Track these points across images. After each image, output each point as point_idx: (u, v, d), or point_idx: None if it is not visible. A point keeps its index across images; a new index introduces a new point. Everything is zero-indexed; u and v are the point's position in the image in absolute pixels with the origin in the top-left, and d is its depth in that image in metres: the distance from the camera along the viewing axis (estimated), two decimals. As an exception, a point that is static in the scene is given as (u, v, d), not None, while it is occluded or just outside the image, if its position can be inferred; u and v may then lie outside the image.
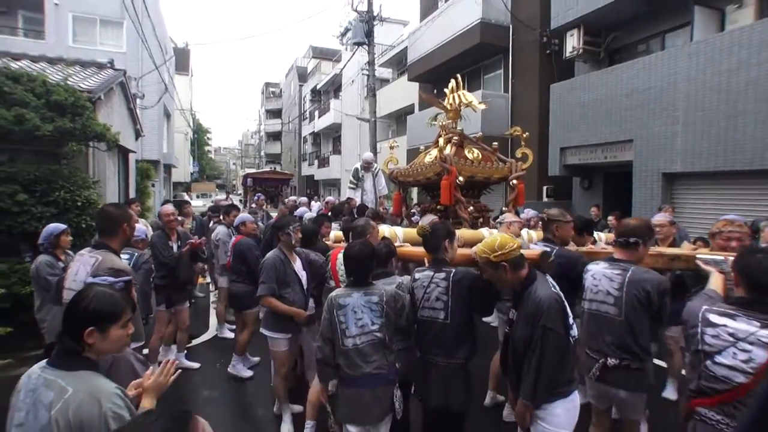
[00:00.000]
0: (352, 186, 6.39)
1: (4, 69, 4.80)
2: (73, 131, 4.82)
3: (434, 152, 4.10)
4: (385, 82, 19.54)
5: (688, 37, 7.44)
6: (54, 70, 6.48)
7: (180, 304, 3.98)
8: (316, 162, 27.41)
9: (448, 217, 3.72)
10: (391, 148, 4.96)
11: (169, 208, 3.89)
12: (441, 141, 3.97)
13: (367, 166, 6.38)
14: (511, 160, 4.01)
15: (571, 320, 1.90)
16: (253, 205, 7.81)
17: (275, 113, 43.59)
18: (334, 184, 21.69)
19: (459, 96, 4.08)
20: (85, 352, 1.29)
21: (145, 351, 3.85)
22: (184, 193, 26.53)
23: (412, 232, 3.03)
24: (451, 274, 2.12)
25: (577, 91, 8.73)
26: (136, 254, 3.31)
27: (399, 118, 18.67)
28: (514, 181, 3.93)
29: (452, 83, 4.16)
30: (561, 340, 1.82)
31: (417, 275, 2.24)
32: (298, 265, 3.04)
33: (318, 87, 27.18)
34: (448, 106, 4.16)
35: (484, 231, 3.35)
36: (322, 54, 30.03)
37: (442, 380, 2.11)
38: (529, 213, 5.06)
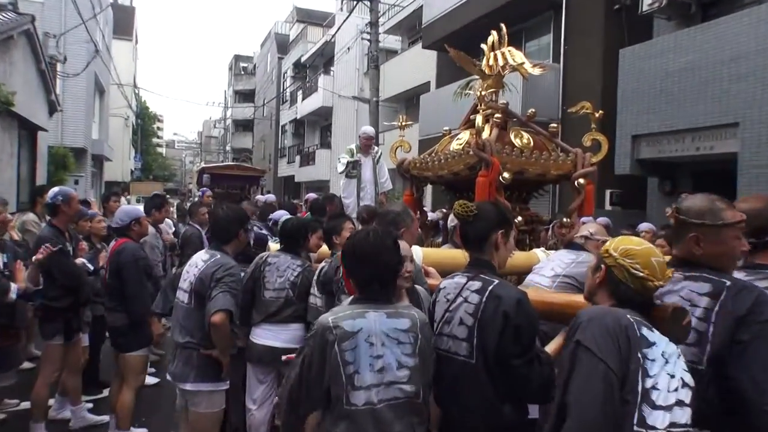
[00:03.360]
0: (348, 174, 6.36)
1: None
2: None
3: (465, 136, 4.12)
4: (391, 54, 20.07)
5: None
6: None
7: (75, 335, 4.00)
8: (297, 158, 28.29)
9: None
10: (402, 128, 4.96)
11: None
12: (478, 120, 3.95)
13: (366, 144, 6.37)
14: (577, 149, 4.03)
15: None
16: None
17: (246, 95, 44.23)
18: (320, 188, 21.61)
19: (503, 54, 4.10)
20: None
21: (25, 404, 3.89)
22: (123, 197, 26.31)
23: (438, 254, 3.02)
24: (491, 286, 1.96)
25: (658, 58, 8.65)
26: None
27: (409, 101, 19.20)
28: (581, 180, 3.94)
29: (492, 36, 4.20)
30: None
31: (444, 283, 2.15)
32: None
33: (303, 60, 27.83)
34: (487, 70, 4.19)
35: (538, 253, 3.36)
36: (308, 17, 30.44)
37: None
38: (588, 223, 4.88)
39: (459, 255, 2.55)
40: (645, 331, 1.53)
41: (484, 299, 1.95)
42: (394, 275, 1.97)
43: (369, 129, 6.69)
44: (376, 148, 6.60)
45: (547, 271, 2.92)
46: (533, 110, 4.41)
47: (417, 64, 17.07)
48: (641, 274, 1.63)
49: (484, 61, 4.26)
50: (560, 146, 4.20)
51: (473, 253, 2.13)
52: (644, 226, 5.35)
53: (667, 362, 1.50)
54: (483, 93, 4.12)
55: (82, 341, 4.24)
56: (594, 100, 9.69)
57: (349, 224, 3.28)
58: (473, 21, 12.08)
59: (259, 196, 9.42)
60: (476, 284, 2.01)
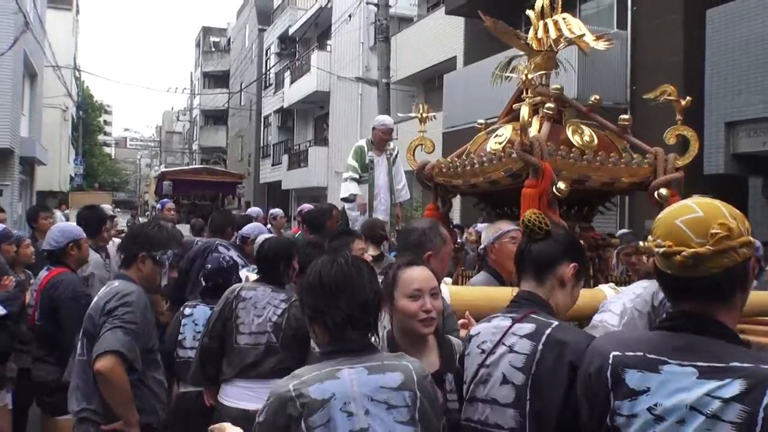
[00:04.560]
0: (353, 177, 6.44)
1: None
2: None
3: (506, 132, 4.17)
4: (405, 22, 20.35)
5: None
6: None
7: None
8: (285, 158, 28.38)
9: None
10: (422, 120, 4.93)
11: None
12: (523, 111, 3.90)
13: (383, 139, 6.49)
14: (657, 149, 4.04)
15: None
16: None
17: (219, 79, 44.85)
18: (315, 197, 21.71)
19: (555, 24, 4.11)
20: None
21: None
22: (59, 211, 26.53)
23: (472, 293, 3.15)
24: (549, 330, 1.97)
25: (760, 19, 8.58)
26: None
27: (429, 83, 19.54)
28: (663, 191, 3.89)
29: (541, 0, 4.22)
30: None
31: (477, 328, 2.20)
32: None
33: (291, 32, 27.97)
34: (535, 44, 4.20)
35: (605, 290, 3.43)
36: (298, -23, 30.52)
37: None
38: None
39: (502, 295, 2.54)
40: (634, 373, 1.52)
41: (540, 347, 1.93)
42: (374, 314, 1.97)
43: (387, 119, 6.76)
44: (391, 144, 6.65)
45: (617, 306, 2.99)
46: (597, 97, 4.31)
47: (439, 35, 17.20)
48: (662, 249, 1.53)
49: (531, 33, 4.22)
50: (634, 145, 4.16)
51: (526, 283, 2.14)
52: None
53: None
54: (530, 75, 4.07)
55: (4, 401, 4.23)
56: (674, 78, 9.79)
57: (359, 243, 3.38)
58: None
59: (252, 209, 9.21)
60: (527, 327, 2.00)
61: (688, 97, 4.09)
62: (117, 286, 2.98)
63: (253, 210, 8.93)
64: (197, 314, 3.98)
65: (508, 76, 4.63)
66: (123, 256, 3.15)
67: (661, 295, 2.92)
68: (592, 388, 1.61)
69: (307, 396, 1.79)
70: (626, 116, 4.19)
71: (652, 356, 1.50)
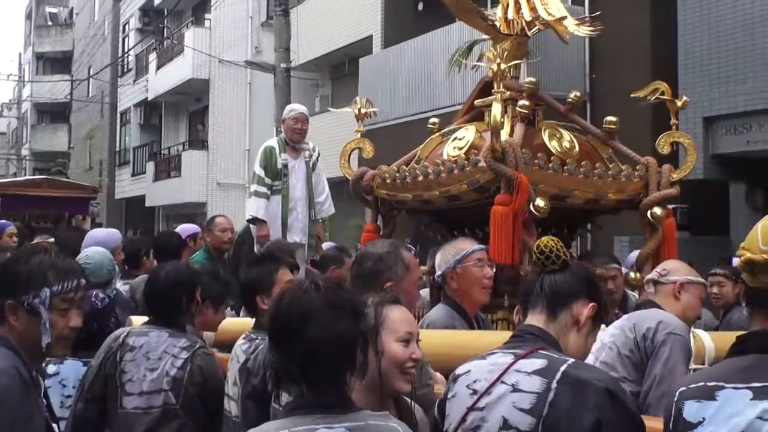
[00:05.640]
0: (258, 192, 6.34)
1: None
2: None
3: (468, 134, 4.23)
4: None
5: None
6: None
7: None
8: (150, 167, 27.76)
9: (501, 295, 3.97)
10: (360, 117, 5.09)
11: None
12: (495, 109, 3.94)
13: (299, 132, 6.49)
14: (649, 159, 4.21)
15: None
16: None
17: (58, 63, 43.78)
18: (190, 216, 21.34)
19: (529, 2, 4.24)
20: None
21: None
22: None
23: (436, 338, 3.24)
24: (564, 366, 2.07)
25: None
26: None
27: (337, 69, 19.45)
28: (658, 210, 4.06)
29: None
30: None
31: (467, 366, 2.29)
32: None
33: (157, 1, 27.76)
34: (503, 27, 4.36)
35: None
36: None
37: None
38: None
39: (477, 340, 2.71)
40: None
41: (554, 384, 2.00)
42: (357, 361, 1.99)
43: (298, 106, 6.80)
44: (310, 143, 6.63)
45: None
46: (577, 93, 4.47)
47: (351, 8, 17.27)
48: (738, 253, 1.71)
49: (500, 12, 4.31)
50: (621, 153, 4.32)
51: (534, 317, 2.24)
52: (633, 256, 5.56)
53: None
54: (503, 65, 4.07)
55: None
56: (641, 65, 10.06)
57: (286, 274, 3.31)
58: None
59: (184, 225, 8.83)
60: (536, 363, 2.07)
61: (685, 98, 4.30)
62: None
63: (111, 234, 8.53)
64: (65, 372, 3.86)
65: (476, 65, 4.72)
66: None
67: (645, 326, 3.18)
68: None
69: None
70: (612, 118, 4.33)
71: (711, 383, 1.62)
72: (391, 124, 13.62)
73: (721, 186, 9.90)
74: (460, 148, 4.18)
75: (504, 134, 3.95)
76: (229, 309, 4.25)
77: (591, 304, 2.24)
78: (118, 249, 5.90)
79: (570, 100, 4.46)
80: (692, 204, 9.90)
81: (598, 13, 9.19)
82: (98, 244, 5.50)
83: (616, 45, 10.63)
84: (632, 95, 4.62)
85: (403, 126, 13.41)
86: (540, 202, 3.75)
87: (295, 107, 6.72)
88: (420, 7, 14.81)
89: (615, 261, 4.88)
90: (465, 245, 3.68)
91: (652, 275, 3.40)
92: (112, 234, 6.33)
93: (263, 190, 6.30)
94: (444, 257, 3.79)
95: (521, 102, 4.08)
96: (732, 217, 9.87)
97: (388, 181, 4.46)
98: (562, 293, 2.23)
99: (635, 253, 5.18)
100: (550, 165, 3.93)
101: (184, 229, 7.10)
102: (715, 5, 9.05)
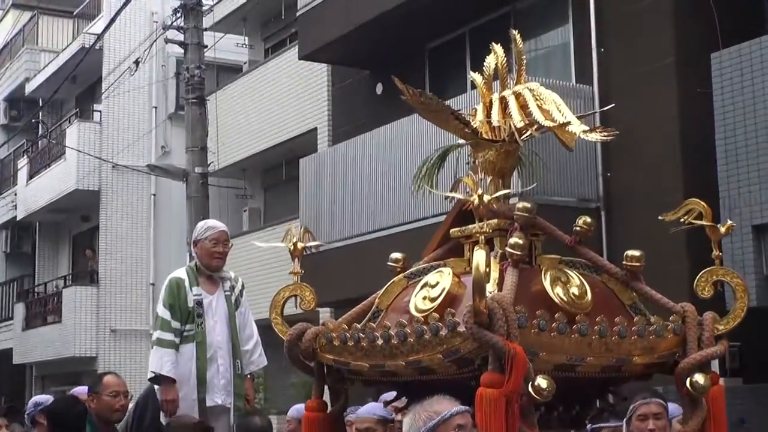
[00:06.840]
0: (163, 340, 5.92)
1: None
2: None
3: (443, 279, 4.09)
4: (230, 72, 19.36)
5: None
6: None
7: None
8: (19, 310, 25.28)
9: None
10: (296, 255, 4.52)
11: None
12: (478, 257, 3.73)
13: (218, 257, 6.16)
14: (686, 305, 4.00)
15: None
16: None
17: None
18: (74, 375, 20.55)
19: (519, 100, 4.10)
20: None
21: None
22: None
23: None
24: None
25: None
26: None
27: (271, 174, 18.65)
28: (700, 377, 3.86)
29: (495, 55, 4.31)
30: None
31: None
32: None
33: (29, 89, 25.56)
34: (484, 131, 4.22)
35: None
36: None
37: None
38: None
39: None
40: None
41: None
42: None
43: (215, 222, 6.49)
44: (231, 273, 6.26)
45: None
46: (587, 219, 4.13)
47: (288, 93, 16.27)
48: None
49: (480, 113, 4.09)
50: (648, 298, 4.00)
51: None
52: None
53: None
54: (486, 197, 3.95)
55: None
56: (668, 159, 9.90)
57: None
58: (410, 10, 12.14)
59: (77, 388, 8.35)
60: None
61: (729, 222, 4.22)
62: None
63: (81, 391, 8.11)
64: None
65: (448, 196, 4.35)
66: None
67: None
68: None
69: None
70: (636, 253, 4.00)
71: None
72: (343, 245, 12.86)
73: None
74: (432, 300, 3.80)
75: (491, 282, 3.72)
76: None
77: None
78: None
79: (577, 228, 4.08)
80: (744, 341, 8.89)
81: (612, 105, 8.97)
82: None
83: (637, 133, 9.92)
84: (660, 217, 4.30)
85: (357, 248, 12.49)
86: (542, 382, 3.33)
87: (213, 224, 6.33)
88: (379, 90, 13.74)
89: (660, 396, 4.51)
90: (440, 406, 3.27)
91: None
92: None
93: (169, 337, 5.86)
94: (413, 423, 3.39)
95: (513, 240, 3.76)
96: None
97: (336, 343, 3.94)
98: None
99: (675, 407, 4.73)
100: (554, 325, 3.49)
101: (81, 392, 6.19)
102: (761, 77, 8.57)
